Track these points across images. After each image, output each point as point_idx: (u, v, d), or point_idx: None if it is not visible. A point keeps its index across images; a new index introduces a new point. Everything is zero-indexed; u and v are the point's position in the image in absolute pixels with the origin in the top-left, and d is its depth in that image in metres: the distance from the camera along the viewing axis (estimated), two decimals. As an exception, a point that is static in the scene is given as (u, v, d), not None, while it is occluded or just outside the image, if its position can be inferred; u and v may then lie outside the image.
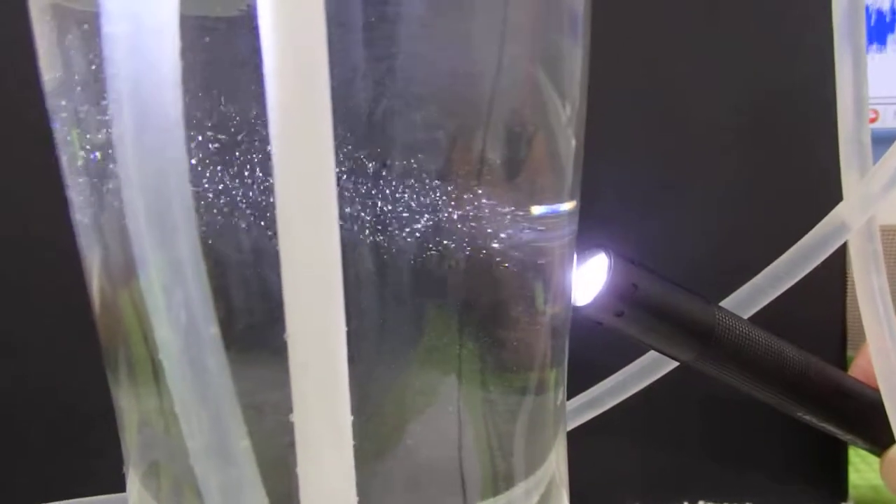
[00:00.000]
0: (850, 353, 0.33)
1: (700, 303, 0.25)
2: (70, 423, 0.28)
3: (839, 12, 0.25)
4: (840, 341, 0.32)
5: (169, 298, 0.12)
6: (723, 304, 0.27)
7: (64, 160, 0.15)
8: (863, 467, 0.36)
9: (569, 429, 0.28)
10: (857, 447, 0.31)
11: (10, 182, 0.27)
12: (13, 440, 0.28)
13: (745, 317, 0.27)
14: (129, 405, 0.16)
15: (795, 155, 0.32)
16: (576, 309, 0.24)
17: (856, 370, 0.31)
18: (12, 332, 0.28)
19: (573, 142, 0.17)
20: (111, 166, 0.13)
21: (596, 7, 0.17)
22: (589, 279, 0.24)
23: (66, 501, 0.25)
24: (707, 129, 0.31)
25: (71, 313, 0.18)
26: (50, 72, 0.15)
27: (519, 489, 0.16)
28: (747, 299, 0.27)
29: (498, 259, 0.15)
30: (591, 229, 0.24)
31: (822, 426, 0.29)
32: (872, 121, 0.44)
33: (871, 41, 0.45)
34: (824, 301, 0.32)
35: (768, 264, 0.27)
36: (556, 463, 0.17)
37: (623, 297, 0.23)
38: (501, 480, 0.16)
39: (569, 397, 0.28)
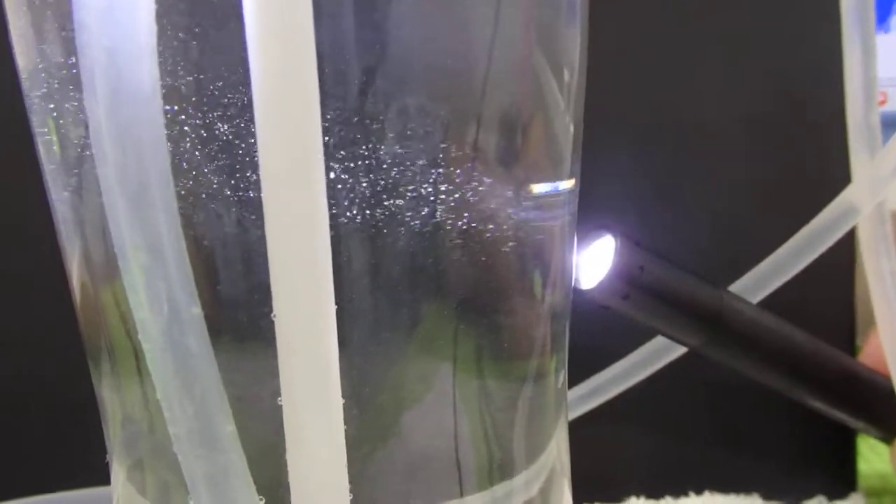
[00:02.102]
0: (858, 341, 0.32)
1: (707, 287, 0.25)
2: (60, 416, 0.27)
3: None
4: (849, 329, 0.32)
5: (148, 278, 0.11)
6: (730, 289, 0.27)
7: (41, 148, 0.14)
8: (872, 457, 0.35)
9: (573, 417, 0.27)
10: (868, 435, 0.31)
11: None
12: (2, 433, 0.27)
13: (753, 302, 0.27)
14: (112, 398, 0.15)
15: (804, 139, 0.31)
16: (581, 292, 0.23)
17: (865, 357, 0.30)
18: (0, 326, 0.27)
19: (571, 123, 0.16)
20: (88, 152, 0.13)
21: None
22: (595, 262, 0.23)
23: (54, 494, 0.25)
24: (715, 114, 0.31)
25: (60, 305, 0.17)
26: (24, 58, 0.14)
27: (519, 479, 0.16)
28: (755, 284, 0.27)
29: (495, 241, 0.15)
30: (599, 214, 0.24)
31: (832, 413, 0.29)
32: (881, 103, 0.43)
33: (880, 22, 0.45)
34: (833, 288, 0.32)
35: (776, 249, 0.27)
36: (558, 451, 0.17)
37: (629, 279, 0.23)
38: (500, 470, 0.16)
39: (573, 385, 0.28)
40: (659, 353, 0.28)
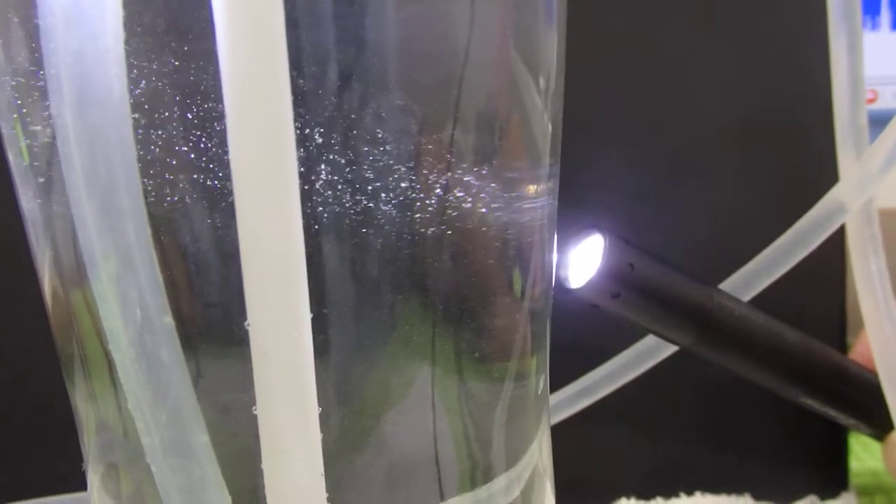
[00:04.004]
0: (849, 339, 0.32)
1: (698, 284, 0.25)
2: (38, 422, 0.27)
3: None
4: (840, 327, 0.32)
5: (118, 287, 0.11)
6: (720, 287, 0.27)
7: (9, 153, 0.14)
8: (864, 455, 0.35)
9: (562, 418, 0.27)
10: (860, 433, 0.31)
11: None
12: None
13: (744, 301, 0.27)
14: (86, 406, 0.15)
15: (795, 138, 0.31)
16: (571, 291, 0.23)
17: (856, 355, 0.30)
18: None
19: (549, 124, 0.16)
20: (56, 158, 0.13)
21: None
22: (584, 260, 0.23)
23: (35, 500, 0.25)
24: (705, 114, 0.31)
25: (36, 310, 0.17)
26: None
27: (499, 481, 0.16)
28: (744, 283, 0.27)
29: (472, 242, 0.15)
30: (589, 212, 0.24)
31: (824, 411, 0.28)
32: (871, 101, 0.43)
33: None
34: (824, 287, 0.31)
35: (766, 248, 0.27)
36: (540, 453, 0.17)
37: (619, 277, 0.23)
38: (480, 472, 0.15)
39: (563, 385, 0.28)
40: (649, 353, 0.28)
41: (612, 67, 0.30)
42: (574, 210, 0.21)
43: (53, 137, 0.11)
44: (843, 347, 0.32)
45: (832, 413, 0.29)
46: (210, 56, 0.11)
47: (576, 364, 0.28)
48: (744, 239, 0.28)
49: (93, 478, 0.15)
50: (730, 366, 0.27)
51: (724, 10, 0.30)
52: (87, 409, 0.15)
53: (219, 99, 0.11)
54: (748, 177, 0.31)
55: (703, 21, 0.30)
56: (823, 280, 0.31)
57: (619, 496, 0.31)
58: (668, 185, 0.31)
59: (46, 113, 0.13)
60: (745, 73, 0.31)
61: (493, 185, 0.15)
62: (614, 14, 0.30)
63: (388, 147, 0.14)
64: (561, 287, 0.23)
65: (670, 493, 0.31)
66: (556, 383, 0.28)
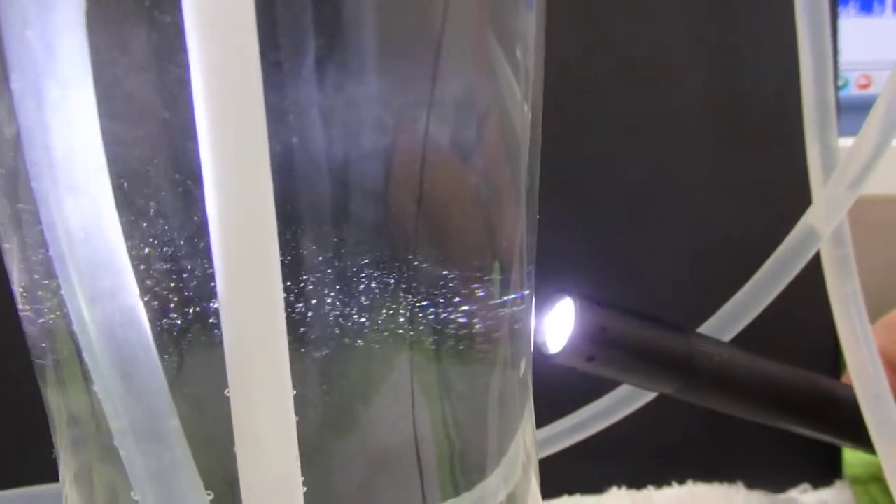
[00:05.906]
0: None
1: (675, 334, 0.25)
2: (25, 411, 0.27)
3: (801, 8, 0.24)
4: (833, 347, 0.31)
5: (84, 267, 0.11)
6: (706, 325, 0.27)
7: None
8: (858, 444, 0.35)
9: (551, 452, 0.27)
10: (857, 450, 0.30)
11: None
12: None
13: (731, 336, 0.26)
14: (57, 399, 0.15)
15: (775, 166, 0.31)
16: (546, 357, 0.23)
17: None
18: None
19: (529, 111, 0.16)
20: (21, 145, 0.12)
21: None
22: (556, 327, 0.23)
23: (12, 490, 0.24)
24: (680, 141, 0.31)
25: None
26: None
27: (482, 469, 0.16)
28: (730, 319, 0.27)
29: (450, 223, 0.14)
30: (562, 259, 0.23)
31: (819, 437, 0.28)
32: (865, 87, 0.43)
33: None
34: (813, 306, 0.31)
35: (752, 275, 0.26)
36: (524, 440, 0.17)
37: (593, 341, 0.23)
38: (462, 462, 0.15)
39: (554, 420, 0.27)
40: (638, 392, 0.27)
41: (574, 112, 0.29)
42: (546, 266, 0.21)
43: (18, 129, 0.11)
44: (837, 366, 0.31)
45: (827, 438, 0.29)
46: (178, 31, 0.11)
47: (566, 402, 0.28)
48: (729, 271, 0.27)
49: (65, 473, 0.15)
50: (717, 408, 0.26)
51: (698, 32, 0.30)
52: (58, 402, 0.15)
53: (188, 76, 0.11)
54: (730, 205, 0.31)
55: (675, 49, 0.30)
56: (812, 298, 0.31)
57: (610, 485, 0.31)
58: (645, 221, 0.31)
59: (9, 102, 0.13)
60: (725, 102, 0.30)
61: (471, 169, 0.14)
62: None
63: (361, 133, 0.13)
64: (540, 353, 0.23)
65: (662, 482, 0.31)
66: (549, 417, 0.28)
